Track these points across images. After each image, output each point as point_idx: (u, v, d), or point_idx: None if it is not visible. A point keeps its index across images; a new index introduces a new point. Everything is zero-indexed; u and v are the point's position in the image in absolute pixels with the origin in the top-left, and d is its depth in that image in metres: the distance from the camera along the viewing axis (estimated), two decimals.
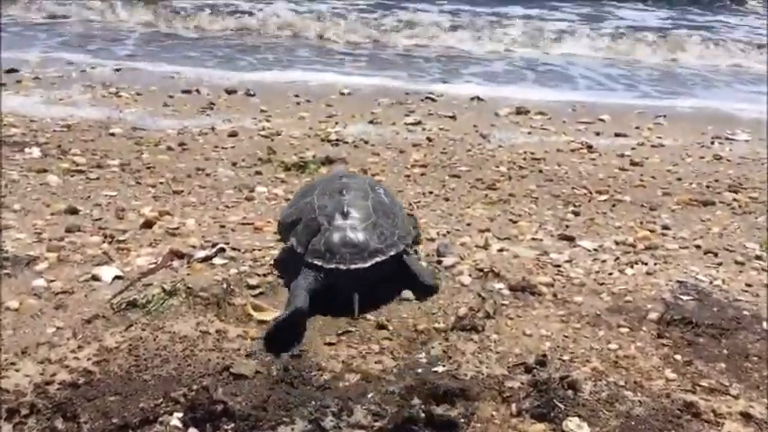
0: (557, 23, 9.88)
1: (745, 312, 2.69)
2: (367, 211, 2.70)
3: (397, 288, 2.69)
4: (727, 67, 8.32)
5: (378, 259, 2.59)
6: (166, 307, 2.53)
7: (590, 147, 4.91)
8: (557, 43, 8.91)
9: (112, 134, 4.60)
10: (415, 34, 9.03)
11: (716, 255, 3.22)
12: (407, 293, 2.70)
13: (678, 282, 2.90)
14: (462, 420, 2.05)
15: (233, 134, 4.76)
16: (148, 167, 4.02)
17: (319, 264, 2.55)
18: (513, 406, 2.11)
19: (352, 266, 2.55)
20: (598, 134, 5.29)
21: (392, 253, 2.64)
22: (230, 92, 5.95)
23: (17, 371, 2.16)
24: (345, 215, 2.65)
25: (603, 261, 3.09)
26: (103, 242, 3.01)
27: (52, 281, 2.65)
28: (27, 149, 4.14)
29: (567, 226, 3.50)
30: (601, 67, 7.99)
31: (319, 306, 2.51)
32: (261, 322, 2.48)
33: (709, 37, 9.36)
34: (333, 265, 2.54)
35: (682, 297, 2.77)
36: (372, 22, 9.41)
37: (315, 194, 2.81)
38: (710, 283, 2.92)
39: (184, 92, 5.87)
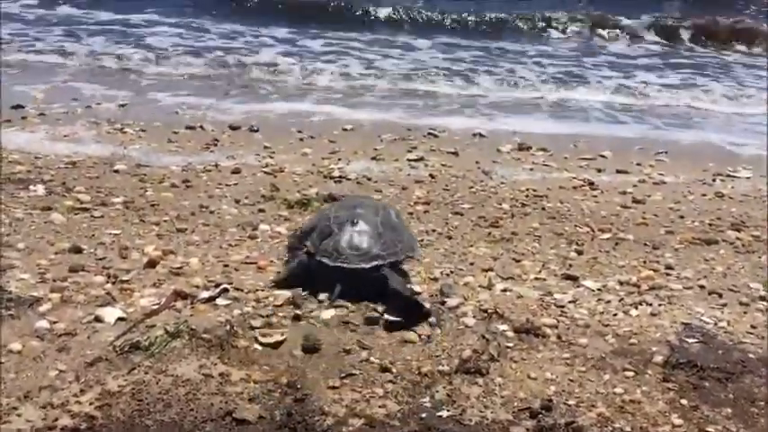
0: (548, 59, 10.00)
1: (751, 355, 2.68)
2: (375, 223, 3.04)
3: (399, 329, 2.74)
4: (722, 103, 8.33)
5: (377, 263, 2.91)
6: (169, 349, 2.52)
7: (592, 184, 4.93)
8: (554, 78, 9.00)
9: (117, 171, 4.62)
10: (414, 70, 9.11)
11: (720, 295, 3.21)
12: (410, 335, 2.70)
13: (683, 323, 2.89)
14: None
15: (236, 171, 4.78)
16: (152, 205, 4.03)
17: (326, 262, 2.91)
18: None
19: (354, 266, 2.88)
20: (600, 171, 5.31)
21: (391, 260, 2.96)
22: (234, 128, 5.99)
23: (19, 416, 2.15)
24: (354, 224, 2.98)
25: (608, 302, 3.08)
26: (107, 282, 3.01)
27: (55, 322, 2.64)
28: (32, 187, 4.15)
29: (571, 265, 3.50)
30: (596, 102, 8.03)
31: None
32: (266, 357, 2.48)
33: (702, 73, 9.44)
34: (338, 264, 2.89)
35: (687, 339, 2.76)
36: (371, 59, 9.51)
37: (333, 209, 3.22)
38: (715, 324, 2.91)
39: (188, 128, 5.89)
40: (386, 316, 2.77)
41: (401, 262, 3.06)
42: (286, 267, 3.16)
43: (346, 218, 3.02)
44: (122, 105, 6.43)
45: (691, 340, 2.75)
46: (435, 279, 3.21)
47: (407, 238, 3.15)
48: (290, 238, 3.36)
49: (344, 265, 2.89)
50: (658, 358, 2.61)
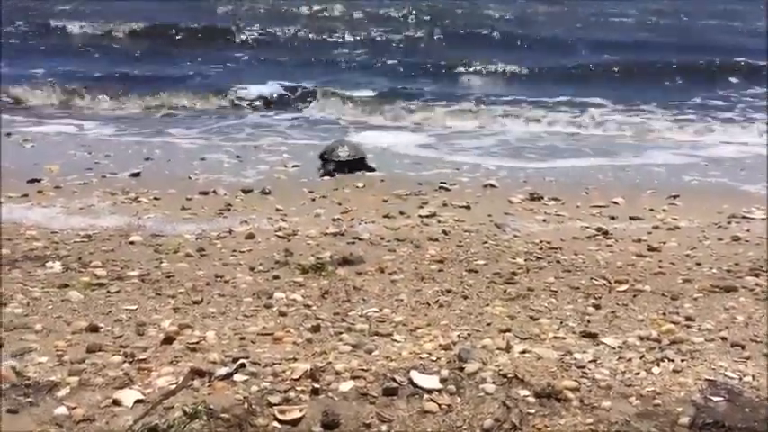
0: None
1: None
2: (351, 145, 6.98)
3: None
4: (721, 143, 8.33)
5: (355, 158, 6.75)
6: (188, 431, 2.50)
7: (606, 233, 4.91)
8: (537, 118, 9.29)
9: (132, 242, 4.65)
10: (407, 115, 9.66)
11: (743, 347, 3.16)
12: (431, 405, 2.68)
13: (707, 380, 2.84)
14: None
15: (250, 236, 4.80)
16: (168, 276, 4.05)
17: (332, 158, 6.74)
18: None
19: (344, 159, 6.72)
20: (613, 218, 5.30)
21: (358, 156, 6.81)
22: (246, 191, 6.05)
23: None
24: (342, 146, 6.88)
25: (629, 360, 3.04)
26: (124, 362, 3.00)
27: (74, 408, 2.63)
28: (48, 263, 4.19)
29: (589, 321, 3.47)
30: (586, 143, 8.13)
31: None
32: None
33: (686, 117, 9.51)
34: (337, 159, 6.72)
35: (712, 398, 2.71)
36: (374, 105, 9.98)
37: (333, 143, 7.05)
38: (740, 380, 2.85)
39: (202, 193, 5.96)
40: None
41: (363, 158, 6.83)
42: (322, 166, 6.79)
43: (340, 143, 6.95)
44: (136, 174, 6.50)
45: (716, 398, 2.70)
46: (454, 343, 3.18)
47: (363, 150, 7.00)
48: (320, 152, 6.97)
49: (341, 159, 6.71)
50: (684, 419, 2.56)
